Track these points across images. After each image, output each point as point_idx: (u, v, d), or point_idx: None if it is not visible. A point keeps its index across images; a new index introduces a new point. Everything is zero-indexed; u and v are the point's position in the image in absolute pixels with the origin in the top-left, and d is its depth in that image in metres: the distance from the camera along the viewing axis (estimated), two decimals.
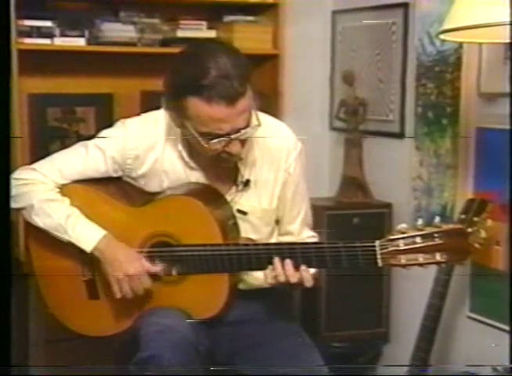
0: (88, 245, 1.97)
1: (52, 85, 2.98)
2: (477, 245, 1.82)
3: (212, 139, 1.87)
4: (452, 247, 1.77)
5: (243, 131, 1.88)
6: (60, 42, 2.86)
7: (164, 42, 3.03)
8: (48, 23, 2.83)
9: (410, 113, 2.93)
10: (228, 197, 2.03)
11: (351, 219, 2.99)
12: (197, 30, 3.03)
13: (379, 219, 3.01)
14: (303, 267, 1.85)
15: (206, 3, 3.10)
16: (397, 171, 3.00)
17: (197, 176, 2.03)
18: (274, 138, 2.04)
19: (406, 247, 1.79)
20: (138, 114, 2.12)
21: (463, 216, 2.30)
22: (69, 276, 2.06)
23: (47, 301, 2.11)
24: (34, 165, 2.07)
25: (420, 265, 1.80)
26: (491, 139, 2.49)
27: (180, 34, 3.02)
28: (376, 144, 3.12)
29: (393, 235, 1.80)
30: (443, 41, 2.48)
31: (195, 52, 1.92)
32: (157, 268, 1.97)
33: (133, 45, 2.97)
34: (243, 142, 1.91)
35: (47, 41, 2.84)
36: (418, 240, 1.78)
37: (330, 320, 3.00)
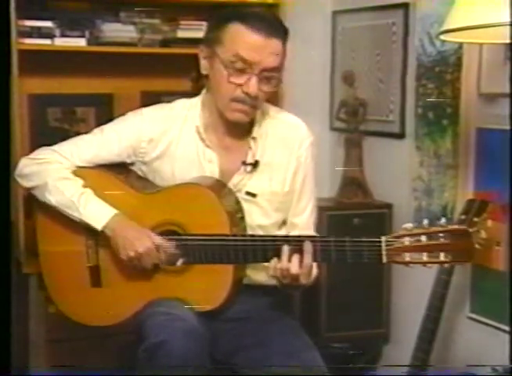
0: (98, 223, 1.98)
1: (52, 85, 2.98)
2: (477, 246, 1.82)
3: (237, 72, 1.94)
4: (457, 248, 1.78)
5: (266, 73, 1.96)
6: (61, 42, 2.86)
7: (165, 42, 3.03)
8: (49, 24, 2.84)
9: (410, 114, 2.93)
10: (238, 178, 2.05)
11: (352, 220, 2.99)
12: (198, 30, 3.01)
13: (379, 220, 3.01)
14: (308, 262, 1.85)
15: (206, 3, 3.09)
16: (397, 171, 3.00)
17: (210, 156, 2.05)
18: (289, 125, 2.13)
19: (412, 245, 1.79)
20: None
21: (463, 217, 2.29)
22: (73, 262, 2.08)
23: (49, 290, 2.11)
24: (54, 147, 2.11)
25: (424, 264, 1.81)
26: (491, 139, 2.49)
27: (180, 34, 3.02)
28: (377, 144, 3.12)
29: (398, 233, 1.81)
30: (443, 41, 2.48)
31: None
32: (168, 244, 1.97)
33: (133, 45, 2.97)
34: (261, 87, 1.97)
35: (47, 41, 2.84)
36: (423, 238, 1.79)
37: (330, 320, 3.00)
